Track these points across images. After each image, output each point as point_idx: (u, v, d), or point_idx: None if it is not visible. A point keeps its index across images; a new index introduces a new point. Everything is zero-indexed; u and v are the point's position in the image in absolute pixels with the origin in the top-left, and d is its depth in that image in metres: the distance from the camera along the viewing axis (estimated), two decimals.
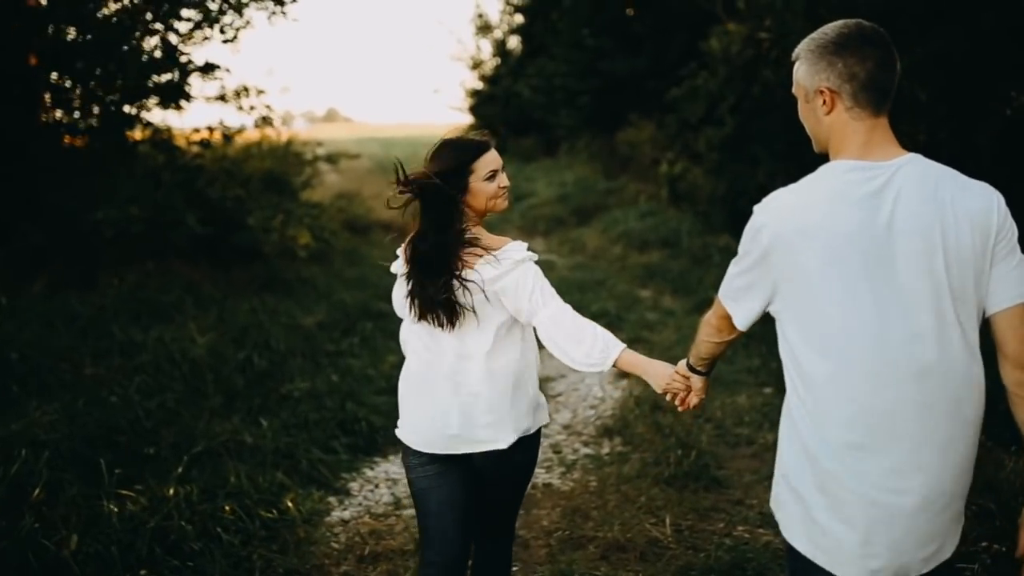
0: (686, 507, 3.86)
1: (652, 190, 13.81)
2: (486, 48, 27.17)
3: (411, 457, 2.33)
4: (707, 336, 2.02)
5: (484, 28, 26.90)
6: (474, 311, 2.19)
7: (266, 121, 7.95)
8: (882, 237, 1.61)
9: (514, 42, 25.79)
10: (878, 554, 1.65)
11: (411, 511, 3.93)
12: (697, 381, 2.19)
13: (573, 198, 15.41)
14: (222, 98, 7.54)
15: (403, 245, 2.40)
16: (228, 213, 6.93)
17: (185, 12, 6.82)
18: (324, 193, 17.54)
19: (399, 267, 2.41)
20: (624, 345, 2.19)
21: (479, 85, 26.84)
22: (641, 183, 14.88)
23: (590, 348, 2.16)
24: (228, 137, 7.57)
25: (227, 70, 7.56)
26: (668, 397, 2.22)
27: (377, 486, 4.20)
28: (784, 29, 9.70)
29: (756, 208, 1.74)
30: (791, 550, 1.76)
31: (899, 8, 8.86)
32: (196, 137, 7.52)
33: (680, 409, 2.22)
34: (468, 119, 27.82)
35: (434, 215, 2.22)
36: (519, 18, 25.23)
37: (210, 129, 7.40)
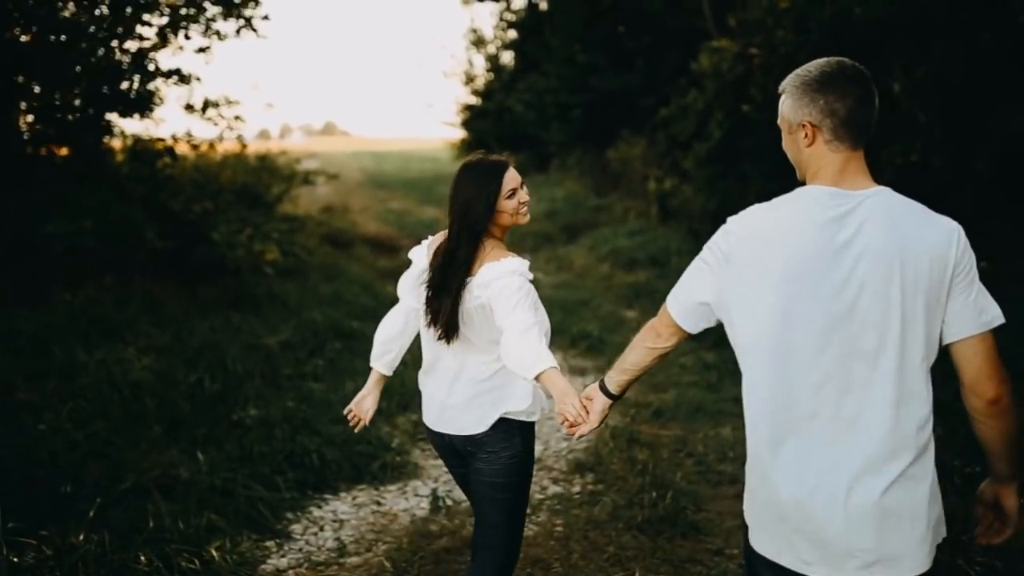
0: (659, 558, 3.52)
1: (642, 207, 13.55)
2: (479, 63, 27.06)
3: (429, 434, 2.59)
4: (645, 340, 2.05)
5: (478, 43, 26.77)
6: (460, 323, 2.35)
7: (233, 132, 7.62)
8: (839, 260, 1.70)
9: (507, 57, 25.66)
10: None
11: (356, 559, 3.58)
12: (599, 403, 2.17)
13: (562, 215, 15.15)
14: (190, 108, 7.21)
15: (433, 241, 2.52)
16: (192, 227, 6.59)
17: (150, 19, 6.50)
18: (312, 206, 17.33)
19: (420, 256, 2.54)
20: (555, 366, 2.19)
21: (472, 100, 26.67)
22: (631, 200, 14.64)
23: (536, 353, 2.19)
24: (195, 147, 7.23)
25: (197, 79, 7.25)
26: (559, 420, 2.18)
27: (322, 528, 3.84)
28: (774, 46, 9.47)
29: (730, 218, 1.85)
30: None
31: (893, 26, 8.64)
32: (160, 147, 7.16)
33: (569, 433, 2.17)
34: (461, 134, 27.68)
35: (462, 249, 2.35)
36: (512, 33, 25.10)
37: (174, 139, 7.06)
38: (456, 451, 2.49)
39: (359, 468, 4.40)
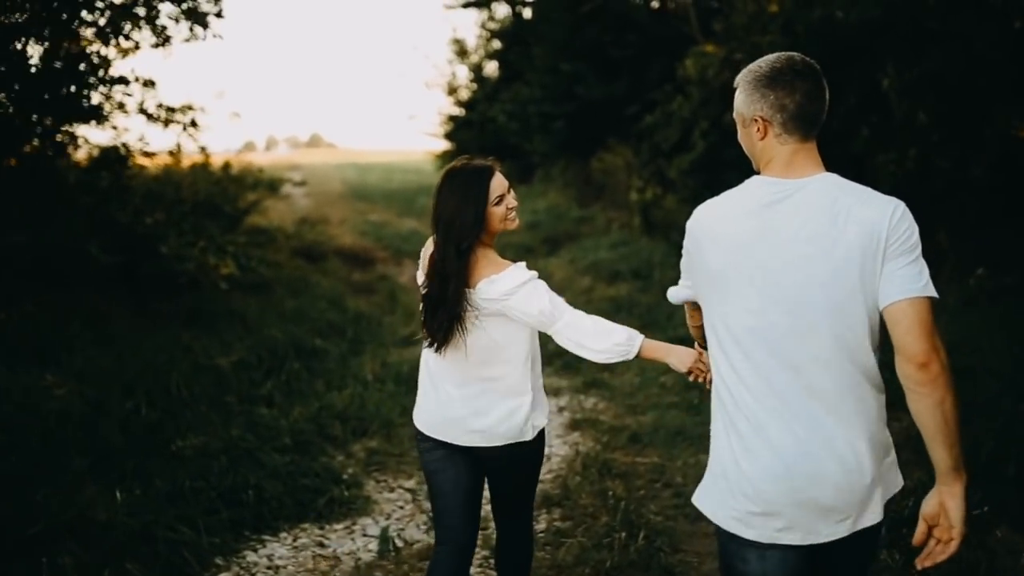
0: None
1: (625, 218, 13.23)
2: (462, 73, 26.74)
3: (421, 441, 2.51)
4: (690, 322, 2.29)
5: (461, 53, 26.46)
6: (465, 330, 2.32)
7: (192, 140, 7.20)
8: (774, 245, 1.77)
9: (491, 67, 25.35)
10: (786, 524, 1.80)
11: None
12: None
13: (544, 226, 14.81)
14: (146, 114, 6.79)
15: (428, 250, 2.46)
16: (141, 240, 6.17)
17: (90, 18, 6.06)
18: (289, 218, 16.93)
19: (427, 253, 2.47)
20: (642, 335, 2.33)
21: (455, 111, 26.33)
22: (615, 211, 14.33)
23: (617, 339, 2.28)
24: (149, 155, 6.80)
25: (150, 83, 6.84)
26: (691, 377, 2.35)
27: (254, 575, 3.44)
28: (761, 50, 9.18)
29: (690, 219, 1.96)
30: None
31: (885, 29, 8.35)
32: (114, 155, 6.72)
33: (707, 387, 2.16)
34: (444, 145, 27.34)
35: (450, 263, 2.30)
36: (496, 43, 24.80)
37: (125, 147, 6.63)
38: (470, 460, 2.47)
39: (303, 504, 3.99)
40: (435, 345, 2.34)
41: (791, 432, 1.77)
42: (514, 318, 2.30)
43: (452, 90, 26.80)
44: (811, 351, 1.75)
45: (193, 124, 7.00)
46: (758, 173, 1.90)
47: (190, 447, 4.26)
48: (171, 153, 7.63)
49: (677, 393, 5.79)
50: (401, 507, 4.11)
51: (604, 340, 2.27)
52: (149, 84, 6.74)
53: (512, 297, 2.26)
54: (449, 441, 2.42)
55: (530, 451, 2.46)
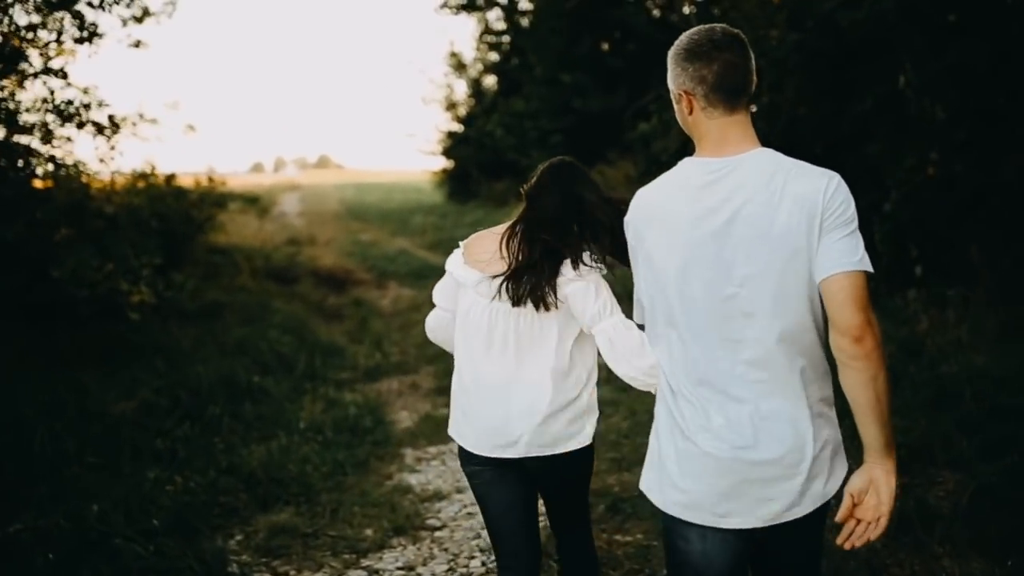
0: None
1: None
2: (461, 88, 26.09)
3: (465, 463, 2.40)
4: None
5: (458, 67, 25.79)
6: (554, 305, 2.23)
7: (117, 152, 6.30)
8: (712, 224, 1.75)
9: (489, 81, 24.69)
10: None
11: None
12: None
13: None
14: (58, 113, 5.90)
15: (474, 243, 2.40)
16: (30, 262, 5.24)
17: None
18: (279, 237, 16.09)
19: (456, 266, 2.38)
20: None
21: (454, 127, 25.63)
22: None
23: (653, 360, 2.05)
24: (59, 165, 5.90)
25: (62, 76, 5.96)
26: None
27: None
28: (765, 48, 8.27)
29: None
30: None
31: (901, 19, 7.45)
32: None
33: None
34: (442, 162, 26.67)
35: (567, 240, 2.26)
36: (494, 56, 24.14)
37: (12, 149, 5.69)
38: (521, 477, 2.36)
39: None
40: (527, 302, 2.23)
41: (733, 415, 1.77)
42: (571, 303, 2.24)
43: (450, 105, 26.17)
44: (753, 332, 1.75)
45: (113, 126, 6.09)
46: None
47: (26, 532, 3.29)
48: (101, 161, 6.71)
49: None
50: None
51: (642, 359, 2.13)
52: (59, 75, 5.85)
53: (585, 277, 2.22)
54: (499, 456, 2.30)
55: (588, 455, 2.38)
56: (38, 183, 6.47)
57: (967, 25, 7.03)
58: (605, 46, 17.48)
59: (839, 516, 1.72)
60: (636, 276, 1.93)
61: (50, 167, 6.35)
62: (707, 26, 1.82)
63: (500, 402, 2.28)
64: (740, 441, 1.75)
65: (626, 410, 5.48)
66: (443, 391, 6.20)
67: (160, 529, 3.44)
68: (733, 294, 1.74)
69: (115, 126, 6.21)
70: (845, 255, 1.68)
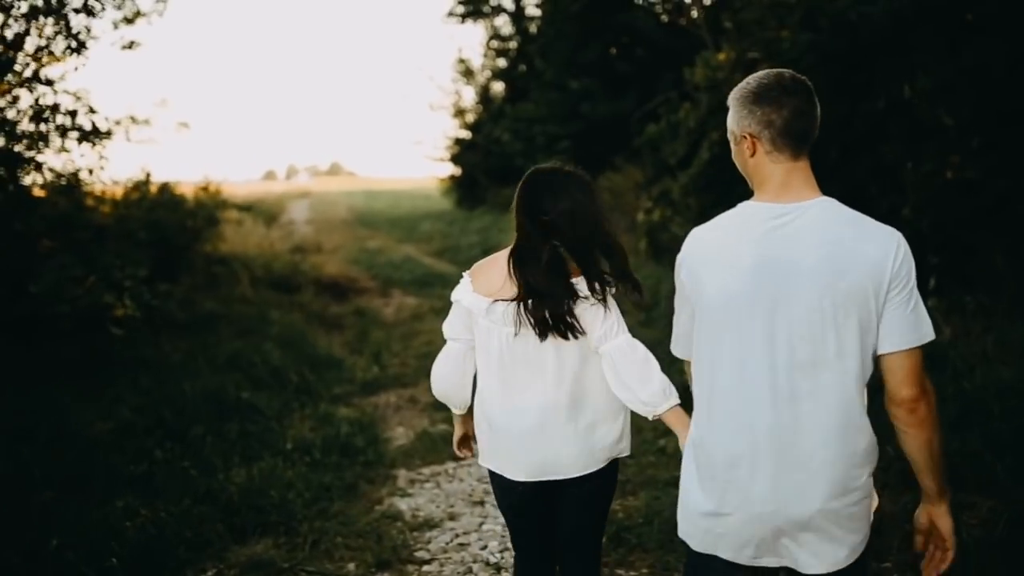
0: None
1: (633, 242, 12.02)
2: (469, 95, 25.97)
3: (497, 484, 2.37)
4: (692, 380, 2.03)
5: (466, 73, 25.65)
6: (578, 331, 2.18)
7: (105, 161, 6.09)
8: (776, 275, 1.74)
9: (497, 87, 24.54)
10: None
11: None
12: None
13: None
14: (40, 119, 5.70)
15: (480, 270, 2.31)
16: (11, 275, 5.02)
17: None
18: (284, 244, 15.92)
19: (465, 294, 2.28)
20: (678, 401, 2.17)
21: (462, 133, 25.48)
22: (623, 235, 13.12)
23: (657, 388, 2.14)
24: (43, 171, 5.69)
25: (47, 83, 5.77)
26: None
27: None
28: (777, 49, 8.00)
29: (683, 247, 1.92)
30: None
31: (917, 19, 7.16)
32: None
33: None
34: (450, 169, 26.52)
35: (582, 244, 2.17)
36: (502, 62, 23.99)
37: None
38: (543, 497, 2.30)
39: None
40: (551, 333, 2.17)
41: (774, 472, 1.76)
42: (581, 323, 2.18)
43: (458, 112, 26.03)
44: (806, 387, 1.74)
45: (97, 129, 5.88)
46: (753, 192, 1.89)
47: None
48: (90, 171, 6.51)
49: (679, 462, 4.50)
50: None
51: (644, 387, 2.14)
52: (46, 83, 5.65)
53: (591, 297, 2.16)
54: (530, 479, 2.26)
55: (612, 475, 2.34)
56: (39, 192, 6.31)
57: (985, 24, 6.74)
58: (613, 51, 17.27)
59: (918, 546, 1.90)
60: (681, 312, 1.95)
61: (40, 177, 6.18)
62: (775, 70, 1.84)
63: (538, 429, 2.23)
64: (779, 505, 1.76)
65: (634, 427, 5.20)
66: (442, 406, 5.94)
67: (121, 566, 3.18)
68: (795, 347, 1.73)
69: (98, 132, 6.00)
70: (909, 331, 1.73)
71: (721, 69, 9.16)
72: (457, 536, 3.78)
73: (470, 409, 2.39)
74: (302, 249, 15.82)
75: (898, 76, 7.21)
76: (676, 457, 4.70)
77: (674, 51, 13.58)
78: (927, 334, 1.75)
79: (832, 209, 1.77)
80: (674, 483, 4.29)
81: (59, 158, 6.35)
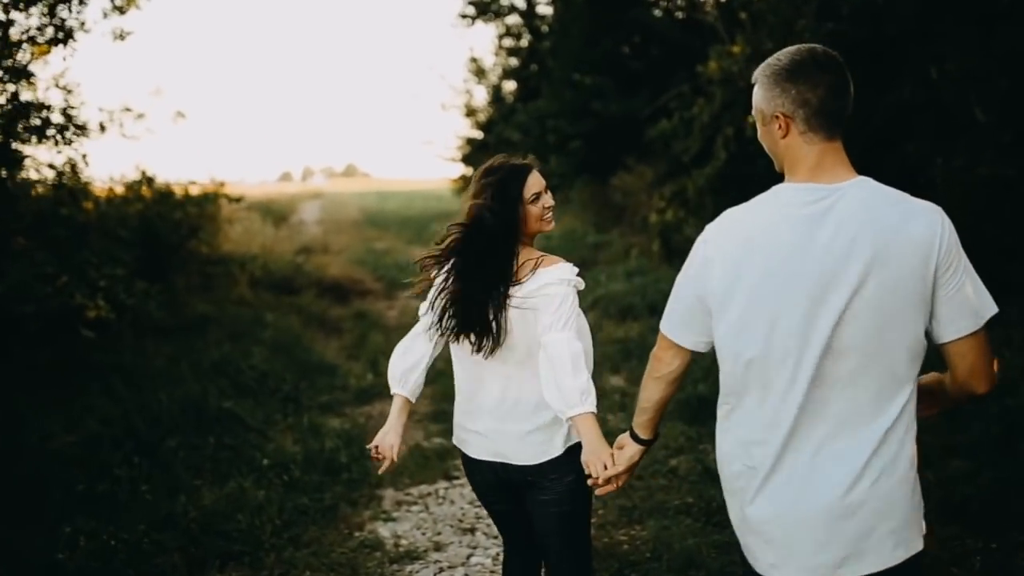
0: None
1: (645, 243, 11.63)
2: (480, 94, 25.72)
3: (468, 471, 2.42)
4: (652, 372, 1.96)
5: (478, 73, 25.39)
6: (505, 330, 2.19)
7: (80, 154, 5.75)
8: (819, 259, 1.66)
9: (509, 87, 24.27)
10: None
11: None
12: (630, 451, 2.03)
13: (556, 253, 12.90)
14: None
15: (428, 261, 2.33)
16: None
17: None
18: (291, 245, 15.61)
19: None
20: (594, 409, 2.09)
21: (473, 133, 25.22)
22: (635, 236, 12.77)
23: (580, 390, 2.08)
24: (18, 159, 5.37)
25: (26, 76, 5.45)
26: (586, 471, 2.05)
27: None
28: (794, 37, 7.58)
29: (708, 226, 1.81)
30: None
31: (947, 2, 6.74)
32: None
33: (593, 485, 2.05)
34: (461, 169, 26.25)
35: (489, 243, 2.21)
36: (513, 61, 23.70)
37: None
38: (508, 486, 2.30)
39: None
40: (477, 343, 2.21)
41: (817, 460, 1.68)
42: (538, 310, 2.15)
43: (470, 112, 25.77)
44: (847, 371, 1.65)
45: (71, 126, 5.55)
46: (781, 174, 1.80)
47: None
48: (71, 167, 6.18)
49: (690, 488, 4.12)
50: None
51: (572, 381, 2.07)
52: (27, 76, 5.33)
53: (552, 287, 2.15)
54: (491, 460, 2.28)
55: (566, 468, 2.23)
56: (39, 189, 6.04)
57: (1018, 10, 6.32)
58: (626, 49, 16.91)
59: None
60: (686, 291, 1.82)
61: (19, 173, 5.87)
62: (806, 45, 1.75)
63: (496, 410, 2.28)
64: (811, 493, 1.69)
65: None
66: (438, 417, 5.59)
67: None
68: (836, 332, 1.65)
69: (81, 128, 5.67)
70: (969, 313, 1.64)
71: (736, 62, 8.76)
72: (441, 571, 3.40)
73: (408, 404, 2.35)
74: (308, 249, 15.51)
75: (924, 65, 6.79)
76: (689, 480, 4.32)
77: (687, 47, 13.19)
78: (988, 309, 1.65)
79: (871, 189, 1.68)
80: (687, 510, 3.92)
81: (46, 154, 6.05)
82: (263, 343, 7.13)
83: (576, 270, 2.22)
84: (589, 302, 9.31)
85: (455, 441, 2.42)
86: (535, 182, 2.26)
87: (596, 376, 6.43)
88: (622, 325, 8.07)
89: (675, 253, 9.93)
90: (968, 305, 1.64)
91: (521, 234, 2.23)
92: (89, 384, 5.07)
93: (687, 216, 9.65)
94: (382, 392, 6.45)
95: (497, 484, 2.31)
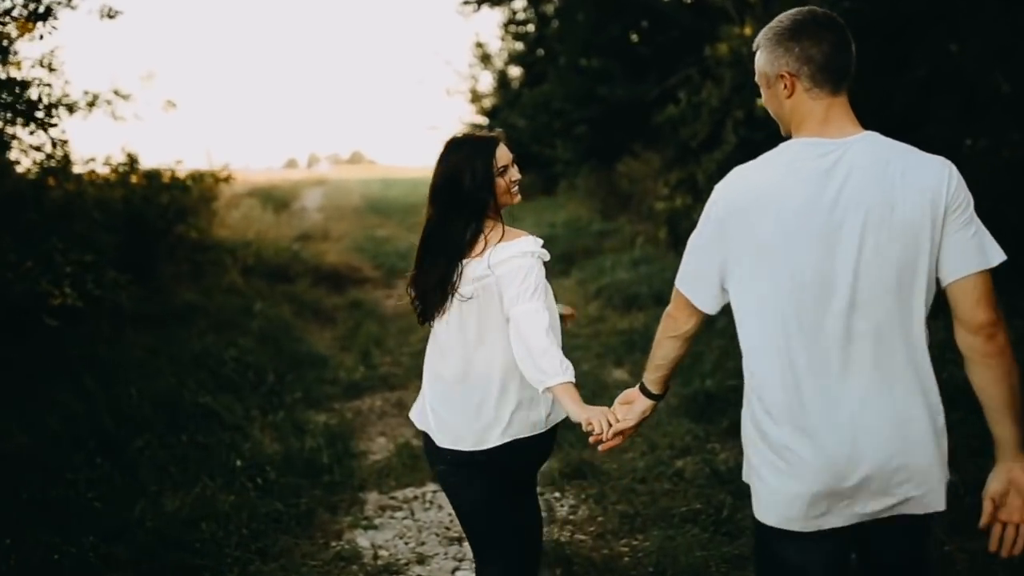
0: None
1: (652, 231, 11.29)
2: (486, 80, 25.39)
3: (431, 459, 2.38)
4: (666, 331, 1.97)
5: (484, 58, 25.04)
6: (457, 298, 2.16)
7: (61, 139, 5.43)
8: (829, 211, 1.67)
9: (514, 72, 23.94)
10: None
11: None
12: (640, 405, 2.05)
13: (560, 241, 12.80)
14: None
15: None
16: None
17: None
18: (290, 231, 15.30)
19: None
20: (573, 379, 2.04)
21: (478, 119, 24.89)
22: (641, 223, 12.43)
23: (559, 358, 2.04)
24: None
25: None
26: (587, 428, 2.00)
27: None
28: None
29: (717, 185, 1.81)
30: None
31: None
32: None
33: (600, 450, 2.04)
34: None
35: (460, 211, 2.17)
36: (519, 46, 23.34)
37: None
38: (468, 463, 2.23)
39: None
40: (427, 317, 2.23)
41: (838, 411, 1.69)
42: (499, 286, 2.12)
43: (476, 97, 25.46)
44: (866, 324, 1.67)
45: (48, 107, 5.22)
46: (787, 136, 1.81)
47: None
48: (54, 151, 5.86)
49: (697, 492, 3.79)
50: None
51: (542, 354, 2.03)
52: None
53: (515, 260, 2.11)
54: (457, 448, 2.23)
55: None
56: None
57: None
58: (634, 37, 16.56)
59: (982, 522, 1.70)
60: (701, 251, 1.81)
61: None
62: (805, 7, 1.78)
63: (473, 394, 2.24)
64: (852, 439, 1.70)
65: (645, 443, 4.48)
66: None
67: None
68: (852, 285, 1.67)
69: (57, 104, 5.35)
70: (975, 255, 1.66)
71: (746, 43, 8.38)
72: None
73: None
74: (307, 236, 15.19)
75: (943, 41, 6.41)
76: (696, 483, 4.00)
77: (695, 31, 12.81)
78: (996, 255, 1.68)
79: (879, 142, 1.72)
80: (693, 518, 3.59)
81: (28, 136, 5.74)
82: (250, 333, 6.82)
83: (540, 242, 2.17)
84: (593, 292, 8.98)
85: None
86: (503, 154, 2.23)
87: (599, 369, 6.10)
88: (627, 316, 7.74)
89: (682, 241, 9.52)
90: (975, 247, 1.66)
91: (488, 208, 2.19)
92: (55, 378, 4.76)
93: (695, 203, 9.29)
94: (373, 386, 6.14)
95: (461, 467, 2.28)
